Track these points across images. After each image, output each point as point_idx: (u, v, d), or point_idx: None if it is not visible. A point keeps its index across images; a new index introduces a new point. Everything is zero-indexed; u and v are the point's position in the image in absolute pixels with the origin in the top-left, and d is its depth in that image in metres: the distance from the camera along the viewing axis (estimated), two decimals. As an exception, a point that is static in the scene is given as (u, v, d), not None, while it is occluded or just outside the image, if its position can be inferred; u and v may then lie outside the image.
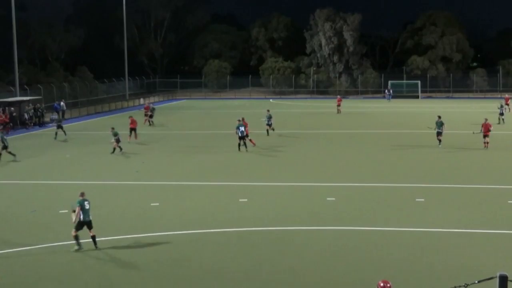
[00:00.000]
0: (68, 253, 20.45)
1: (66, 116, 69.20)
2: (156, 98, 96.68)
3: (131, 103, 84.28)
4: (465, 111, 69.90)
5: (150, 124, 58.15)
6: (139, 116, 57.93)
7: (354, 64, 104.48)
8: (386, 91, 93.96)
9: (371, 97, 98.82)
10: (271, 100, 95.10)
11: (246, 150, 41.05)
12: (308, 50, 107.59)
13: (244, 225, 23.32)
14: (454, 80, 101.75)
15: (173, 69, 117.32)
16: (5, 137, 40.35)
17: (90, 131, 55.24)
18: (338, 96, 73.31)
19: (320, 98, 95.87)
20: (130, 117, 49.29)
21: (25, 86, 72.14)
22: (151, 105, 65.71)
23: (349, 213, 25.00)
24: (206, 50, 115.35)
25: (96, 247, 20.58)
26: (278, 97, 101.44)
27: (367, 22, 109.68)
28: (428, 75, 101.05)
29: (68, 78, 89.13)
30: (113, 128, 41.95)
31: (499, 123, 54.85)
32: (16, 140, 50.64)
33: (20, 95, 66.51)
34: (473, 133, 42.99)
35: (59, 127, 48.90)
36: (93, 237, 20.71)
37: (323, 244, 21.02)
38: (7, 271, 18.94)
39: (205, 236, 22.20)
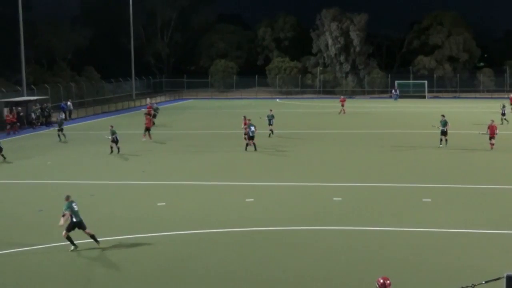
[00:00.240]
0: (74, 252, 20.49)
1: (73, 115, 69.40)
2: (163, 98, 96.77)
3: (137, 103, 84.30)
4: (472, 111, 69.71)
5: (152, 124, 57.53)
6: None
7: (360, 64, 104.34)
8: (393, 91, 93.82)
9: (378, 97, 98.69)
10: (277, 100, 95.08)
11: (255, 150, 40.99)
12: (314, 50, 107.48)
13: (251, 225, 23.32)
14: (461, 80, 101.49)
15: (179, 69, 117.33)
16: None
17: (97, 131, 55.26)
18: (342, 97, 73.02)
19: (326, 98, 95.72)
20: (146, 115, 49.68)
21: (32, 86, 72.26)
22: (154, 105, 65.72)
23: (356, 213, 24.97)
24: (213, 50, 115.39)
25: (98, 244, 20.63)
26: (285, 97, 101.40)
27: (374, 22, 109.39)
28: (434, 75, 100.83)
29: (75, 78, 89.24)
30: (112, 126, 41.97)
31: (502, 123, 54.56)
32: (23, 139, 50.80)
33: (27, 95, 66.66)
34: (480, 133, 42.86)
35: (60, 130, 48.59)
36: (93, 236, 20.72)
37: (329, 244, 21.00)
38: (14, 270, 18.98)
39: (212, 236, 22.21)
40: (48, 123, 61.31)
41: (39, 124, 60.32)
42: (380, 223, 23.36)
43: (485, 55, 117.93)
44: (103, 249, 20.70)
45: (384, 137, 47.86)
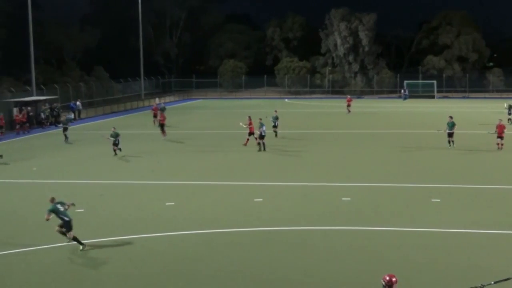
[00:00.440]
0: (82, 252, 20.55)
1: (82, 115, 69.59)
2: (172, 98, 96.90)
3: (146, 103, 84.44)
4: (481, 111, 69.49)
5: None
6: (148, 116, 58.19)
7: (369, 64, 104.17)
8: (402, 91, 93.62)
9: (387, 97, 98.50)
10: (286, 100, 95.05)
11: (264, 150, 41.01)
12: (323, 50, 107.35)
13: (259, 225, 23.33)
14: (470, 80, 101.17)
15: (188, 69, 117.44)
16: None
17: (106, 131, 55.33)
18: (348, 96, 72.79)
19: (335, 98, 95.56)
20: (161, 112, 49.83)
21: (42, 85, 72.46)
22: (161, 104, 65.68)
23: (365, 213, 24.94)
24: (221, 50, 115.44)
25: (84, 247, 20.76)
26: (293, 97, 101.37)
27: (383, 21, 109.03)
28: (444, 75, 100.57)
29: (84, 78, 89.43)
30: (114, 128, 41.54)
31: (510, 123, 54.32)
32: (32, 139, 50.97)
33: (37, 95, 66.85)
34: (489, 133, 42.71)
35: (65, 129, 48.30)
36: (75, 238, 20.84)
37: (338, 244, 20.99)
38: (24, 269, 19.05)
39: (220, 235, 22.23)
40: (57, 123, 61.49)
41: (48, 124, 60.52)
42: (389, 223, 23.33)
43: (495, 55, 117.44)
44: (112, 249, 20.76)
45: (393, 137, 47.79)
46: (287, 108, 79.02)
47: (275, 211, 25.52)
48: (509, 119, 55.73)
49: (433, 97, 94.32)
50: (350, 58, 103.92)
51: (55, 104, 64.14)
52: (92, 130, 55.24)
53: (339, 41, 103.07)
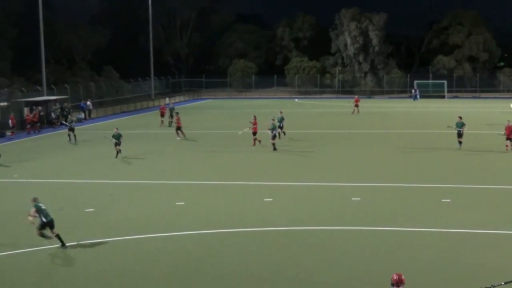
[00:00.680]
0: (92, 251, 20.61)
1: (93, 115, 69.76)
2: (182, 98, 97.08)
3: (156, 103, 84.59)
4: (491, 111, 69.25)
5: (170, 125, 57.43)
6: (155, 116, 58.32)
7: (379, 64, 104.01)
8: (412, 91, 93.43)
9: (397, 97, 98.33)
10: (296, 99, 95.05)
11: (275, 149, 40.95)
12: (333, 50, 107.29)
13: (269, 224, 23.33)
14: (481, 80, 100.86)
15: (198, 68, 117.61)
16: None
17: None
18: (356, 96, 72.50)
19: (345, 98, 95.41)
20: (177, 114, 49.99)
21: (52, 85, 72.73)
22: (170, 105, 65.67)
23: (375, 213, 24.91)
24: (231, 49, 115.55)
25: (64, 246, 20.79)
26: (303, 96, 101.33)
27: (393, 21, 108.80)
28: (454, 75, 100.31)
29: (94, 78, 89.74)
30: (117, 129, 40.82)
31: None
32: (43, 139, 51.13)
33: (47, 95, 67.12)
34: (498, 134, 42.52)
35: (71, 129, 47.90)
36: (58, 236, 20.87)
37: (348, 244, 20.98)
38: (30, 269, 19.13)
39: (230, 235, 22.25)
40: (62, 123, 61.70)
41: (59, 123, 60.68)
42: (399, 223, 23.29)
43: (505, 55, 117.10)
44: (121, 248, 20.82)
45: (403, 137, 47.68)
46: (297, 108, 79.05)
47: (285, 211, 25.52)
48: None
49: (443, 97, 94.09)
50: (360, 58, 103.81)
51: (65, 104, 64.32)
52: (102, 130, 55.31)
53: (349, 41, 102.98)
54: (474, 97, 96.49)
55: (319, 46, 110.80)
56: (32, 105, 59.00)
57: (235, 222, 23.80)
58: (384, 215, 24.66)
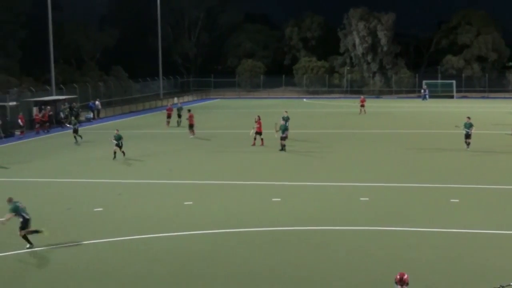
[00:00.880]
0: (101, 249, 20.68)
1: (101, 115, 69.91)
2: (190, 98, 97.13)
3: (165, 103, 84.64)
4: (500, 111, 69.03)
5: (178, 125, 57.33)
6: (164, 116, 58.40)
7: (388, 64, 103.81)
8: (422, 90, 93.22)
9: (405, 97, 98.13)
10: (304, 99, 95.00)
11: (284, 150, 40.80)
12: (341, 50, 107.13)
13: (277, 224, 23.35)
14: (490, 80, 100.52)
15: (206, 68, 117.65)
16: None
17: (124, 130, 55.52)
18: (362, 96, 72.22)
19: (354, 98, 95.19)
20: (189, 111, 50.10)
21: (61, 85, 72.93)
22: (178, 104, 65.56)
23: (383, 213, 24.89)
24: (240, 49, 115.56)
25: (31, 247, 20.82)
26: (312, 96, 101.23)
27: (401, 21, 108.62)
28: (463, 75, 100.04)
29: (103, 78, 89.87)
30: (117, 131, 40.27)
31: None
32: (52, 138, 51.28)
33: (56, 95, 67.29)
34: (506, 134, 42.39)
35: (75, 131, 47.77)
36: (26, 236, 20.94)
37: (357, 244, 20.97)
38: (42, 268, 19.19)
39: (238, 235, 22.27)
40: (68, 124, 61.83)
41: (67, 123, 60.76)
42: (407, 223, 23.26)
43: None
44: (129, 248, 20.87)
45: (411, 137, 47.61)
46: (305, 107, 79.02)
47: (293, 211, 25.53)
48: None
49: (452, 97, 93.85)
50: (369, 57, 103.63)
51: (74, 104, 64.49)
52: (110, 130, 55.37)
53: (357, 41, 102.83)
54: (483, 97, 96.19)
55: (327, 46, 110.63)
56: (41, 104, 59.16)
57: (243, 221, 23.82)
58: (393, 215, 24.63)
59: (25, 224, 20.81)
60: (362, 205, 26.30)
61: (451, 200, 26.73)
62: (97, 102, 69.86)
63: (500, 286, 13.63)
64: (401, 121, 60.44)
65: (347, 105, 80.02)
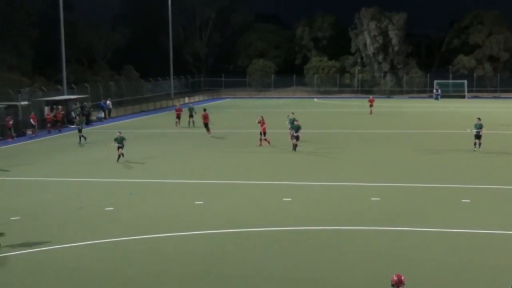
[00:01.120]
0: (112, 249, 20.74)
1: (112, 114, 70.08)
2: (201, 97, 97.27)
3: (176, 102, 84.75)
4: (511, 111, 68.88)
5: (190, 125, 57.12)
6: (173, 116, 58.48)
7: (399, 64, 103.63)
8: (434, 90, 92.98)
9: (417, 97, 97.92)
10: (315, 99, 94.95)
11: (295, 150, 40.78)
12: (353, 49, 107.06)
13: (288, 224, 23.35)
14: (501, 80, 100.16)
15: (217, 68, 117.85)
16: None
17: (135, 130, 55.78)
18: (370, 96, 72.00)
19: (364, 98, 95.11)
20: (204, 110, 50.22)
21: (73, 85, 73.18)
22: (190, 104, 65.51)
23: (394, 214, 24.84)
24: (251, 49, 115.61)
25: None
26: (323, 96, 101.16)
27: (413, 21, 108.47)
28: (474, 75, 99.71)
29: (114, 77, 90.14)
30: (119, 133, 39.49)
31: None
32: (63, 138, 51.43)
33: (68, 94, 67.53)
34: None
35: (79, 131, 47.58)
36: None
37: (367, 244, 20.94)
38: (55, 267, 19.26)
39: (249, 235, 22.27)
40: (88, 122, 62.08)
41: (84, 122, 60.96)
42: (418, 223, 23.20)
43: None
44: (140, 247, 20.92)
45: (422, 137, 47.51)
46: (316, 107, 79.00)
47: (304, 211, 25.52)
48: None
49: (463, 97, 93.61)
50: (380, 57, 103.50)
51: (85, 103, 64.69)
52: (121, 129, 55.53)
53: (368, 41, 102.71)
54: (494, 97, 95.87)
55: (338, 45, 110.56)
56: (52, 104, 59.39)
57: (253, 221, 23.83)
58: (404, 215, 24.59)
59: None
60: (373, 205, 26.26)
61: (463, 200, 26.65)
62: (108, 102, 70.03)
63: (511, 286, 13.59)
64: (412, 121, 60.27)
65: (358, 105, 79.93)
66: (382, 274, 18.15)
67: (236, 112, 74.93)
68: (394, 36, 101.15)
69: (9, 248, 20.86)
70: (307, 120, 53.55)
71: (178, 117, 57.82)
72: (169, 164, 37.71)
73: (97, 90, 75.81)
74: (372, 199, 27.24)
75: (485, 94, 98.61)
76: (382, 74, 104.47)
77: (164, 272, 18.57)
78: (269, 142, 43.20)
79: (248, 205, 26.70)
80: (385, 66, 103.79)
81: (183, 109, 60.16)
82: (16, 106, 56.75)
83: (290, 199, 27.42)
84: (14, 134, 51.21)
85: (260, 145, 43.27)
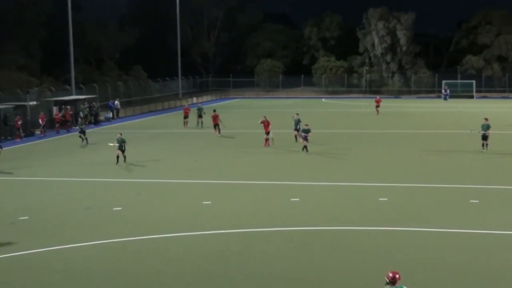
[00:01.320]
0: (122, 249, 20.78)
1: (121, 114, 70.19)
2: (209, 97, 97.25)
3: (184, 102, 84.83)
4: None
5: (198, 125, 56.82)
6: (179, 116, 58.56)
7: (407, 64, 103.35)
8: (442, 90, 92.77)
9: (425, 97, 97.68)
10: (323, 99, 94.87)
11: (307, 151, 40.51)
12: (360, 49, 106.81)
13: (295, 224, 23.35)
14: (510, 80, 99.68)
15: (225, 68, 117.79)
16: None
17: (144, 130, 55.88)
18: (377, 97, 71.76)
19: (372, 98, 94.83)
20: (214, 111, 50.28)
21: (81, 85, 73.33)
22: (199, 104, 65.46)
23: (402, 214, 24.82)
24: (259, 49, 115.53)
25: None
26: (330, 96, 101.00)
27: (421, 21, 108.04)
28: (483, 75, 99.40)
29: (123, 77, 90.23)
30: (120, 134, 38.92)
31: None
32: (72, 138, 51.52)
33: (76, 94, 67.68)
34: None
35: (82, 131, 47.19)
36: None
37: (375, 244, 20.92)
38: (63, 266, 19.32)
39: (256, 235, 22.29)
40: (96, 122, 62.21)
41: (87, 122, 61.07)
42: (426, 224, 23.16)
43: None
44: (148, 247, 20.97)
45: (430, 138, 47.42)
46: (324, 107, 78.95)
47: (312, 211, 25.53)
48: None
49: (472, 97, 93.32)
50: (388, 57, 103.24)
51: (93, 103, 64.81)
52: (130, 129, 55.68)
53: (376, 41, 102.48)
54: (503, 97, 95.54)
55: (346, 45, 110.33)
56: (60, 104, 59.53)
57: (261, 221, 23.84)
58: (412, 215, 24.56)
59: None
60: (381, 206, 26.24)
61: (471, 201, 26.60)
62: (116, 102, 70.13)
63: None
64: (420, 121, 60.13)
65: (366, 105, 79.80)
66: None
67: (244, 112, 74.91)
68: (402, 36, 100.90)
69: (17, 247, 20.94)
70: (315, 120, 53.47)
71: (186, 116, 57.54)
72: (177, 164, 37.76)
73: (106, 90, 75.93)
74: (380, 199, 27.22)
75: (493, 94, 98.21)
76: (390, 74, 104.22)
77: (172, 272, 18.61)
78: (268, 142, 43.10)
79: (256, 205, 26.72)
80: (393, 66, 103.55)
81: (191, 109, 60.10)
82: (24, 106, 56.90)
83: (298, 199, 27.42)
84: (22, 134, 51.38)
85: (267, 145, 43.21)
